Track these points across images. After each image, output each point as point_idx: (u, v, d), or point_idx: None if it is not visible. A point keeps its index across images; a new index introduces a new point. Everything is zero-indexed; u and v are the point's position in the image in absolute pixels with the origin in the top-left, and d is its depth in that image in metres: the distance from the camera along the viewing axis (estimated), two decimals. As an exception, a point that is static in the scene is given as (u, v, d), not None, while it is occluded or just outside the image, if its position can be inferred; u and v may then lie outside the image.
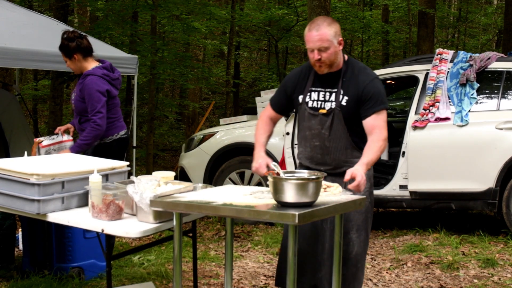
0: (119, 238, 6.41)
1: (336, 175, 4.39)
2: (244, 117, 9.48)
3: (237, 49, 20.80)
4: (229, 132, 8.96)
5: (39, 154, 5.72)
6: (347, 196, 3.93)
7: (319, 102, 4.47)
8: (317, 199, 3.60)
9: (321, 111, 4.44)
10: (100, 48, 8.97)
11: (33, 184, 4.07)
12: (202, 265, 6.48)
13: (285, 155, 8.11)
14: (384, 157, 9.00)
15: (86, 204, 4.24)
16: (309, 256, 4.46)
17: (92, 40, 7.97)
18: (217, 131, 9.06)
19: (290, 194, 3.51)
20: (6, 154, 8.62)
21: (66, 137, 5.98)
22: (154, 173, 4.40)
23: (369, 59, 24.17)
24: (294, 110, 4.66)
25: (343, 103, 4.39)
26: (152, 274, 6.06)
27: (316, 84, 4.51)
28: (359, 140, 4.43)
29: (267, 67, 23.56)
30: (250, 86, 23.51)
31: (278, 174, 3.64)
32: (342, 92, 4.41)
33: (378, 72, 8.40)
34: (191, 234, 4.77)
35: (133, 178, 4.15)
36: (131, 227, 3.94)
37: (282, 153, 8.14)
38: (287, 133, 8.09)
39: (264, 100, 9.01)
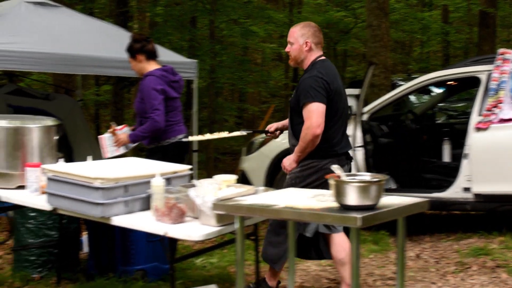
0: (181, 241, 6.45)
1: None
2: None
3: (295, 52, 20.75)
4: (289, 135, 8.92)
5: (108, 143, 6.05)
6: (410, 199, 3.89)
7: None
8: (379, 202, 3.57)
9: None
10: (160, 53, 9.04)
11: (97, 188, 4.12)
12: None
13: (346, 157, 8.06)
14: (447, 159, 8.88)
15: (148, 208, 4.28)
16: None
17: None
18: (277, 134, 9.03)
19: (352, 197, 3.48)
20: (70, 159, 8.75)
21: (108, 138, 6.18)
22: (216, 177, 4.42)
23: (429, 60, 23.89)
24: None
25: (292, 96, 5.31)
26: (215, 277, 6.08)
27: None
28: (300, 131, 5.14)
29: (325, 70, 23.43)
30: (309, 89, 23.40)
31: (339, 177, 3.62)
32: (296, 88, 5.28)
33: (438, 73, 8.30)
34: (253, 237, 4.78)
35: (194, 181, 4.17)
36: (193, 230, 3.97)
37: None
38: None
39: (323, 103, 8.95)
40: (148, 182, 4.25)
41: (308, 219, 3.62)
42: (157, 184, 4.15)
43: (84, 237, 6.57)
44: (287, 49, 5.35)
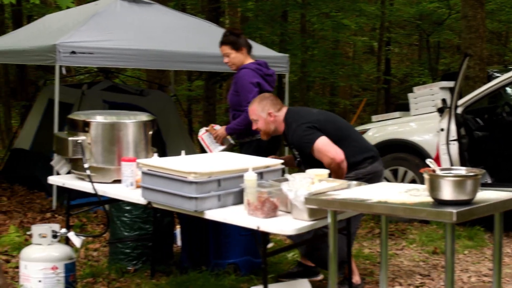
0: (273, 235, 6.48)
1: None
2: (397, 114, 9.35)
3: (387, 45, 20.56)
4: (381, 129, 8.85)
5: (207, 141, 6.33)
6: (507, 194, 3.79)
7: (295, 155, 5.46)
8: (475, 197, 3.49)
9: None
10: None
11: (190, 182, 4.16)
12: (356, 263, 6.41)
13: (440, 151, 7.91)
14: None
15: (241, 202, 4.30)
16: None
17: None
18: (369, 128, 8.97)
19: (447, 192, 3.42)
20: (163, 153, 8.90)
21: (206, 136, 6.43)
22: (308, 171, 4.41)
23: (527, 51, 23.22)
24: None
25: (298, 156, 5.37)
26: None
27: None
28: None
29: (418, 62, 23.13)
30: (401, 82, 23.14)
31: (434, 171, 3.55)
32: (292, 146, 5.42)
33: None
34: (345, 232, 4.76)
35: (287, 176, 4.17)
36: (286, 225, 3.97)
37: (436, 150, 7.96)
38: (442, 129, 7.89)
39: (417, 96, 8.85)
40: (240, 177, 4.27)
41: (402, 214, 3.58)
42: (250, 178, 4.17)
43: (178, 230, 6.66)
44: (254, 127, 5.48)
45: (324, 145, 5.05)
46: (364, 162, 5.32)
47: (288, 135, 5.31)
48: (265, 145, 6.06)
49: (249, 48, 6.37)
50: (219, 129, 6.28)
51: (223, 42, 6.32)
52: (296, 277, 5.64)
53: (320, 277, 5.79)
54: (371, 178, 5.26)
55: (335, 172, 4.99)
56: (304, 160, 5.30)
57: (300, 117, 5.29)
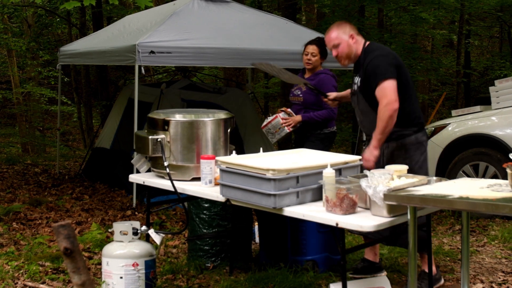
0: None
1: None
2: (477, 108, 9.19)
3: (467, 38, 20.17)
4: (462, 123, 8.71)
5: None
6: None
7: (353, 85, 5.40)
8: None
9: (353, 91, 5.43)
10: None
11: (269, 179, 4.18)
12: (436, 259, 6.34)
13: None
14: None
15: (320, 199, 4.29)
16: None
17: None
18: (449, 123, 8.85)
19: (531, 187, 3.34)
20: (241, 151, 8.95)
21: (282, 115, 6.85)
22: (387, 167, 4.37)
23: None
24: None
25: (359, 84, 5.27)
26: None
27: (354, 71, 5.47)
28: None
29: (499, 55, 22.60)
30: (482, 76, 22.68)
31: (518, 166, 3.48)
32: (359, 75, 5.27)
33: None
34: (425, 228, 4.70)
35: (366, 172, 4.15)
36: (365, 221, 3.95)
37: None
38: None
39: (498, 89, 8.67)
40: (319, 173, 4.27)
41: (484, 210, 3.51)
42: (328, 174, 4.16)
43: (256, 227, 6.69)
44: (334, 54, 5.33)
45: (390, 88, 4.99)
46: (412, 126, 5.22)
47: (366, 58, 5.20)
48: (325, 140, 6.77)
49: (324, 59, 6.96)
50: (296, 115, 6.78)
51: (317, 43, 6.85)
52: (361, 273, 5.62)
53: (384, 272, 5.73)
54: (417, 147, 5.23)
55: (383, 119, 4.95)
56: (363, 89, 5.23)
57: (387, 51, 5.24)
